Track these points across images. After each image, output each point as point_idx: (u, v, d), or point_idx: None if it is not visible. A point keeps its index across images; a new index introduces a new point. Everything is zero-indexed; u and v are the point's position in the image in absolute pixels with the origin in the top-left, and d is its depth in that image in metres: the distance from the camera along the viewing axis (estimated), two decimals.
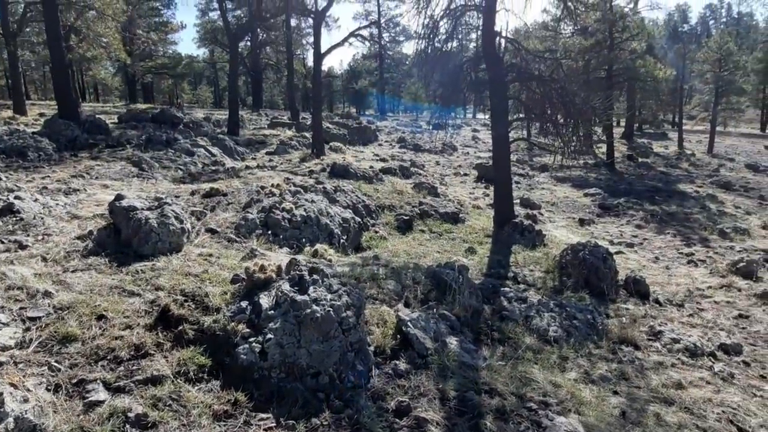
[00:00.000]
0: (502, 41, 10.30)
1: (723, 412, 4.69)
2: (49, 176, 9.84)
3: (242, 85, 63.69)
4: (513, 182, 17.72)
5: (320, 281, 4.47)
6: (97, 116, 17.13)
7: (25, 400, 3.09)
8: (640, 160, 25.35)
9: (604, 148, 23.91)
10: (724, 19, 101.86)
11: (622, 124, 39.40)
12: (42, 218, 6.87)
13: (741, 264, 8.78)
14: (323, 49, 19.31)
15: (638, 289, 7.49)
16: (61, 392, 3.31)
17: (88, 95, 57.99)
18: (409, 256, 8.23)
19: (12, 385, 3.18)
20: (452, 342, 4.96)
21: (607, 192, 16.99)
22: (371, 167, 14.85)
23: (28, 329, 3.90)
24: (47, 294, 4.41)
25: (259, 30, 37.44)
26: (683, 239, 11.52)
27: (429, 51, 10.05)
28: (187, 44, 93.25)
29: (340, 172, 13.20)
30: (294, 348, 3.90)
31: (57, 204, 7.75)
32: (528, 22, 30.65)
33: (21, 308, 4.16)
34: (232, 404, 3.50)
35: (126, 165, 11.50)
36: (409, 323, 4.85)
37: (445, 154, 23.50)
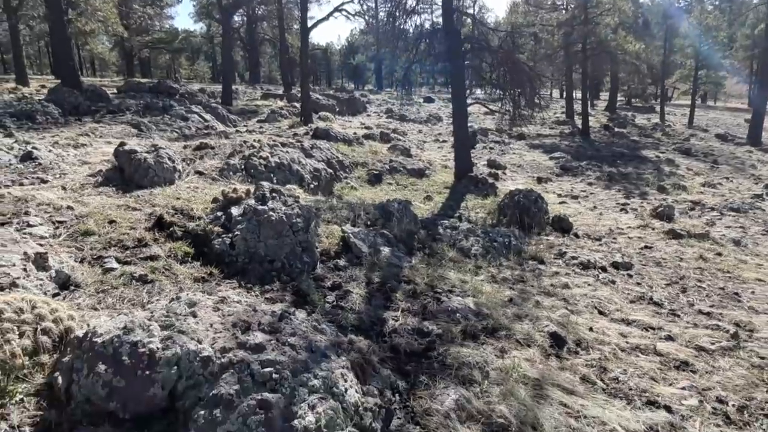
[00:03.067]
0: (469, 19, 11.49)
1: (591, 302, 6.05)
2: (58, 135, 11.11)
3: (240, 60, 64.20)
4: (488, 148, 19.01)
5: (278, 198, 5.82)
6: (97, 86, 18.31)
7: (62, 263, 4.47)
8: (616, 130, 26.52)
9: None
10: None
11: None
12: (57, 164, 8.20)
13: (660, 209, 10.13)
14: (311, 23, 20.39)
15: (561, 226, 8.86)
16: (85, 262, 4.68)
17: (84, 70, 58.59)
18: (374, 201, 9.57)
19: (52, 253, 4.56)
20: (385, 250, 6.32)
21: (572, 156, 18.27)
22: (354, 133, 16.10)
23: (57, 227, 5.27)
24: (69, 208, 5.77)
25: (254, 3, 38.12)
26: (625, 193, 12.86)
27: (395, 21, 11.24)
28: (184, 18, 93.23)
29: (321, 135, 14.46)
30: (255, 242, 5.27)
31: (68, 154, 9.07)
32: None
33: (50, 216, 5.52)
34: (209, 274, 4.89)
35: (126, 127, 12.78)
36: (351, 234, 6.21)
37: (428, 124, 24.68)
